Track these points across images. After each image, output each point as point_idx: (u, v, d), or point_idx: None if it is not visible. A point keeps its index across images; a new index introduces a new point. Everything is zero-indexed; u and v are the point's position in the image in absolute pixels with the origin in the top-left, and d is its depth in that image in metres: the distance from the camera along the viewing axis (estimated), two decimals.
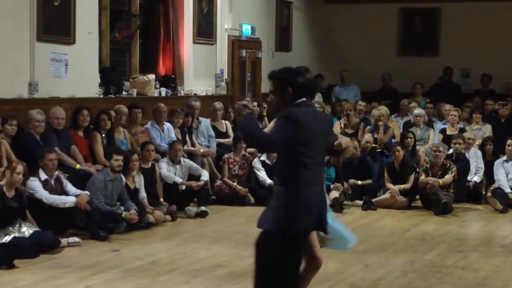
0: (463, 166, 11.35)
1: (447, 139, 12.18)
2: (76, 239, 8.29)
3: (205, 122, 12.07)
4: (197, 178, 10.46)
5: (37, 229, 7.97)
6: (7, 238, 7.59)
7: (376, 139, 12.35)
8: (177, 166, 10.40)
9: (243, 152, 11.38)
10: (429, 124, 13.34)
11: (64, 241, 8.12)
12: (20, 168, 7.83)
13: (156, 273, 7.08)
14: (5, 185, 7.81)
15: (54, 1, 10.14)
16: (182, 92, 13.01)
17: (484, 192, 11.55)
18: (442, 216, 10.38)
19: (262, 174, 11.03)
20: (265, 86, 15.41)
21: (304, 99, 4.70)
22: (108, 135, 10.15)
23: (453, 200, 10.76)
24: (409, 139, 12.08)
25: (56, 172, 8.74)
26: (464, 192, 11.33)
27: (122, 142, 10.31)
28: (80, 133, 9.92)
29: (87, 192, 8.79)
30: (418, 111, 13.26)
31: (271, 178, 10.97)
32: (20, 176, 7.84)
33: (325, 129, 4.84)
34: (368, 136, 12.21)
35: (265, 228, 4.72)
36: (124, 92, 11.83)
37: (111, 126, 10.17)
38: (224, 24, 14.14)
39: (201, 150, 11.44)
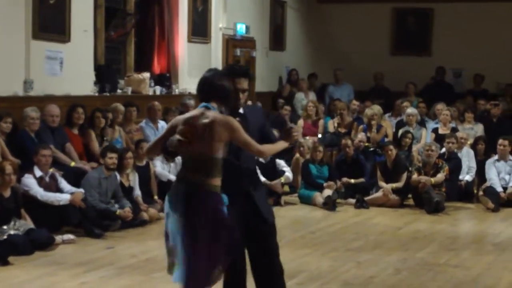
0: (455, 165, 11.42)
1: (439, 139, 12.25)
2: (70, 236, 8.33)
3: None
4: None
5: (32, 226, 8.01)
6: (2, 236, 7.63)
7: (369, 138, 12.41)
8: (172, 164, 10.43)
9: None
10: (422, 124, 13.41)
11: (58, 238, 8.15)
12: (9, 168, 7.85)
13: (151, 270, 7.12)
14: (0, 186, 7.85)
15: None
16: (176, 90, 13.04)
17: (476, 191, 11.63)
18: (434, 214, 10.44)
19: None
20: (259, 85, 15.46)
21: None
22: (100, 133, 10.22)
23: (445, 198, 10.83)
24: (407, 140, 12.15)
25: (51, 170, 8.78)
26: (456, 191, 11.39)
27: (117, 140, 10.35)
28: (75, 131, 9.96)
29: (82, 190, 8.83)
30: (410, 110, 13.33)
31: (264, 176, 11.03)
32: (11, 176, 7.87)
33: None
34: (361, 135, 12.27)
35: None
36: (119, 90, 11.85)
37: (109, 124, 10.23)
38: (219, 23, 14.18)
39: None
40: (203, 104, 4.89)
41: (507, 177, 11.20)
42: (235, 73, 5.07)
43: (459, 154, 11.69)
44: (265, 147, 4.97)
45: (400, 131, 12.76)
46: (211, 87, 4.88)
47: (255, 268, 5.24)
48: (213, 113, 4.81)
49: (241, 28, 14.67)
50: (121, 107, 10.70)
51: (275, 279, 5.29)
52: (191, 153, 4.81)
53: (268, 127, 5.36)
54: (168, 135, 4.90)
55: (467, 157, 11.77)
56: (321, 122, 13.51)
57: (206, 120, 4.76)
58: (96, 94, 11.16)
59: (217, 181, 4.80)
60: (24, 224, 7.96)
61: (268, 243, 5.22)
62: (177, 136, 4.79)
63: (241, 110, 5.13)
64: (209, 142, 4.75)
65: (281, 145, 5.05)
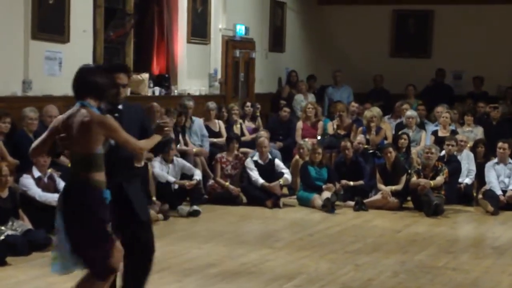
0: (455, 168, 11.40)
1: (439, 141, 12.23)
2: None
3: (198, 122, 12.09)
4: (190, 177, 10.49)
5: (30, 227, 7.99)
6: (0, 237, 7.61)
7: (368, 140, 12.39)
8: (170, 165, 10.42)
9: (235, 152, 11.43)
10: (421, 126, 13.39)
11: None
12: (5, 170, 7.83)
13: None
14: None
15: None
16: (175, 91, 13.02)
17: (475, 194, 11.61)
18: (433, 217, 10.42)
19: (255, 174, 11.07)
20: (258, 86, 15.45)
21: None
22: None
23: (444, 201, 10.80)
24: (403, 140, 12.13)
25: (49, 170, 8.77)
26: (455, 194, 11.38)
27: None
28: None
29: None
30: (410, 112, 13.31)
31: (263, 178, 11.02)
32: (7, 177, 7.85)
33: None
34: (360, 137, 12.25)
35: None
36: None
37: None
38: (218, 24, 14.16)
39: (194, 150, 11.47)
40: (79, 102, 4.91)
41: (506, 180, 11.19)
42: (114, 68, 5.26)
43: (458, 157, 11.67)
44: (143, 142, 5.11)
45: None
46: (84, 84, 4.94)
47: (126, 260, 5.26)
48: (89, 112, 4.84)
49: (240, 29, 14.66)
50: None
51: (140, 275, 5.43)
52: (73, 151, 4.90)
53: (148, 122, 5.49)
54: (50, 136, 4.98)
55: (467, 160, 11.75)
56: (320, 124, 13.49)
57: (83, 119, 4.81)
58: None
59: (99, 176, 4.85)
60: (21, 224, 7.94)
61: (139, 239, 5.34)
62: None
63: (120, 106, 5.25)
64: (87, 140, 4.81)
65: (156, 138, 5.21)
